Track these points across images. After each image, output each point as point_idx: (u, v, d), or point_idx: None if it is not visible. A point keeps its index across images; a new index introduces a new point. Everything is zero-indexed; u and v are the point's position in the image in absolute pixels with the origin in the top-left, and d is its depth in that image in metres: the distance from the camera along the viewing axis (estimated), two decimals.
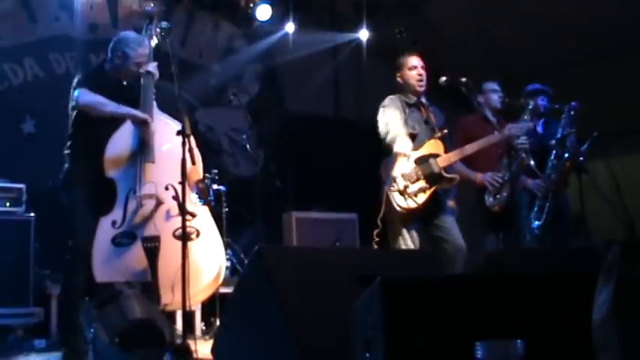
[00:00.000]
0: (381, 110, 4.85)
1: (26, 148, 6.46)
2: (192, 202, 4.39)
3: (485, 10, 7.26)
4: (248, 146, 6.30)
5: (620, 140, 6.90)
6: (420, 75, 4.82)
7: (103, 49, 4.80)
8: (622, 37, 6.73)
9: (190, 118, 4.19)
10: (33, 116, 6.62)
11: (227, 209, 6.28)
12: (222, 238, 6.34)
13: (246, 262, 5.95)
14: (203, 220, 4.30)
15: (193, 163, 3.86)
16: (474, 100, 5.17)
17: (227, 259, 6.46)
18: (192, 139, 3.91)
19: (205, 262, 4.21)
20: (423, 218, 4.69)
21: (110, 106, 4.28)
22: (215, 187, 6.20)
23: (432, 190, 4.65)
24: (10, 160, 6.03)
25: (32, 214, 5.45)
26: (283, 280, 3.03)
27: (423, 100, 4.91)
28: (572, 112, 5.38)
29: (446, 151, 4.76)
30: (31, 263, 5.35)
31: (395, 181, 4.63)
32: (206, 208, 4.41)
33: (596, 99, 6.48)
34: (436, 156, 4.72)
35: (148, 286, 3.93)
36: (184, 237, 3.70)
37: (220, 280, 4.36)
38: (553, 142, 5.36)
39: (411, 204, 4.62)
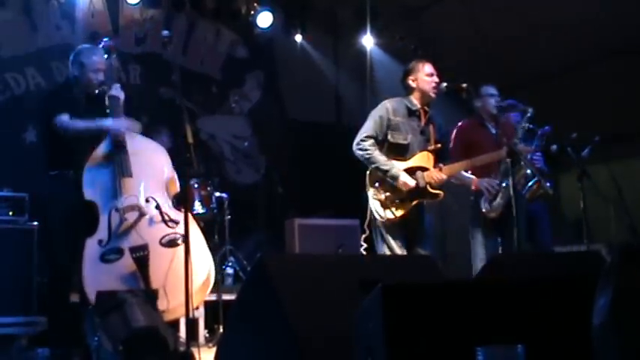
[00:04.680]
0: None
1: (28, 157, 6.45)
2: (172, 209, 4.45)
3: (484, 16, 7.27)
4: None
5: (621, 143, 6.90)
6: (436, 83, 4.79)
7: None
8: (622, 40, 6.74)
9: (192, 127, 4.18)
10: (35, 125, 6.63)
11: (229, 216, 6.29)
12: (225, 245, 6.40)
13: (248, 269, 5.95)
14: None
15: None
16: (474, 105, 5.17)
17: (230, 267, 6.48)
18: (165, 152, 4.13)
19: (194, 267, 4.19)
20: (403, 228, 4.67)
21: (81, 122, 4.49)
22: (217, 194, 6.21)
23: (412, 203, 4.63)
24: (12, 170, 6.03)
25: (35, 223, 5.46)
26: (285, 287, 3.04)
27: (427, 107, 4.86)
28: (543, 136, 5.17)
29: (436, 165, 4.73)
30: (34, 272, 5.35)
31: (377, 190, 4.63)
32: (189, 215, 4.42)
33: (596, 102, 6.50)
34: (424, 169, 4.68)
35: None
36: (187, 242, 3.68)
37: (210, 285, 4.34)
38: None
39: (389, 215, 4.60)
